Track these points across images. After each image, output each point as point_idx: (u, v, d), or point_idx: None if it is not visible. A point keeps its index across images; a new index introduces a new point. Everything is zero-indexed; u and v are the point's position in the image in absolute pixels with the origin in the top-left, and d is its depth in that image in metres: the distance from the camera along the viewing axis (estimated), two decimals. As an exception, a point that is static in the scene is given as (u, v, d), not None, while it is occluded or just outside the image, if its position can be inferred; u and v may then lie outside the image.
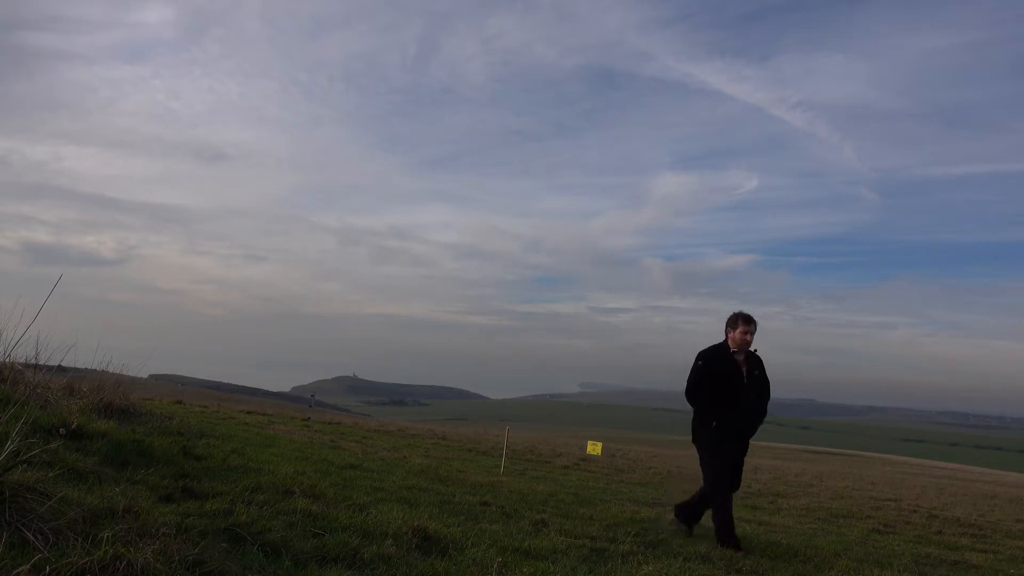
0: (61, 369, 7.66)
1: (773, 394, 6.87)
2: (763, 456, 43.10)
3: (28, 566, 2.84)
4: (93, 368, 8.73)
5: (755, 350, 6.69)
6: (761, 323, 6.60)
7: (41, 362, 7.15)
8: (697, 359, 6.63)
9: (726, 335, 6.65)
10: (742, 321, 6.54)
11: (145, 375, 14.72)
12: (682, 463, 19.27)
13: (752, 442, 6.95)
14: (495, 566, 4.33)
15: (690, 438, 6.93)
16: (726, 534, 6.39)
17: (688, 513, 7.02)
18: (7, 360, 6.91)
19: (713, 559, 5.75)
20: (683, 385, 6.74)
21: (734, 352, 6.57)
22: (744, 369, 6.56)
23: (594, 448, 13.53)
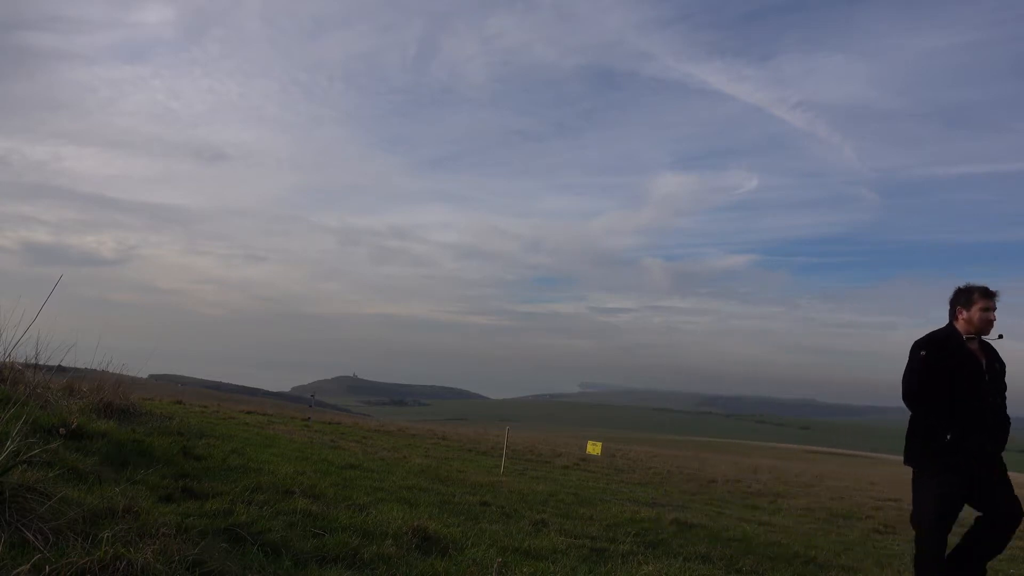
0: (61, 369, 7.66)
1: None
2: (763, 456, 43.14)
3: (28, 566, 2.84)
4: (93, 368, 8.73)
5: (1000, 336, 4.84)
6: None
7: (41, 362, 7.16)
8: (917, 349, 4.81)
9: (954, 316, 4.88)
10: (980, 295, 4.77)
11: (145, 375, 14.72)
12: (681, 463, 19.27)
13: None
14: (495, 566, 4.33)
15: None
16: None
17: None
18: (7, 360, 6.91)
19: (713, 559, 5.75)
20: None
21: (968, 339, 4.80)
22: (983, 361, 4.76)
23: (594, 448, 13.54)
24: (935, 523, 4.66)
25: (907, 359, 4.86)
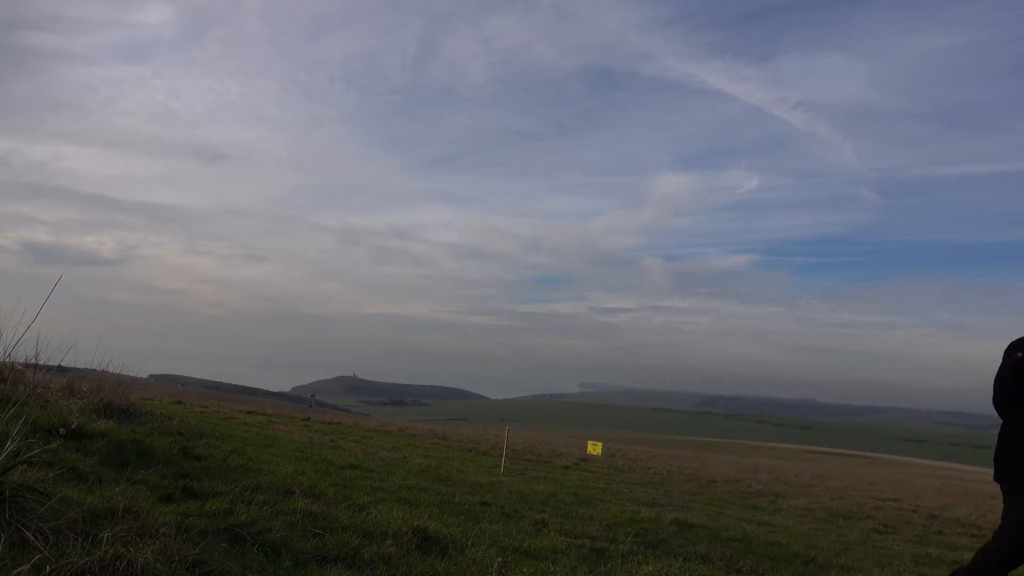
0: (61, 369, 7.66)
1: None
2: (763, 456, 43.16)
3: (28, 566, 2.84)
4: (93, 368, 8.74)
5: None
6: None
7: (41, 362, 7.16)
8: (1013, 350, 4.38)
9: None
10: None
11: (145, 375, 14.73)
12: (681, 463, 19.26)
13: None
14: (495, 566, 4.33)
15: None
16: None
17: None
18: (7, 360, 6.91)
19: (713, 559, 5.75)
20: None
21: None
22: None
23: (594, 448, 13.54)
24: (1016, 541, 4.32)
25: (1000, 361, 4.45)
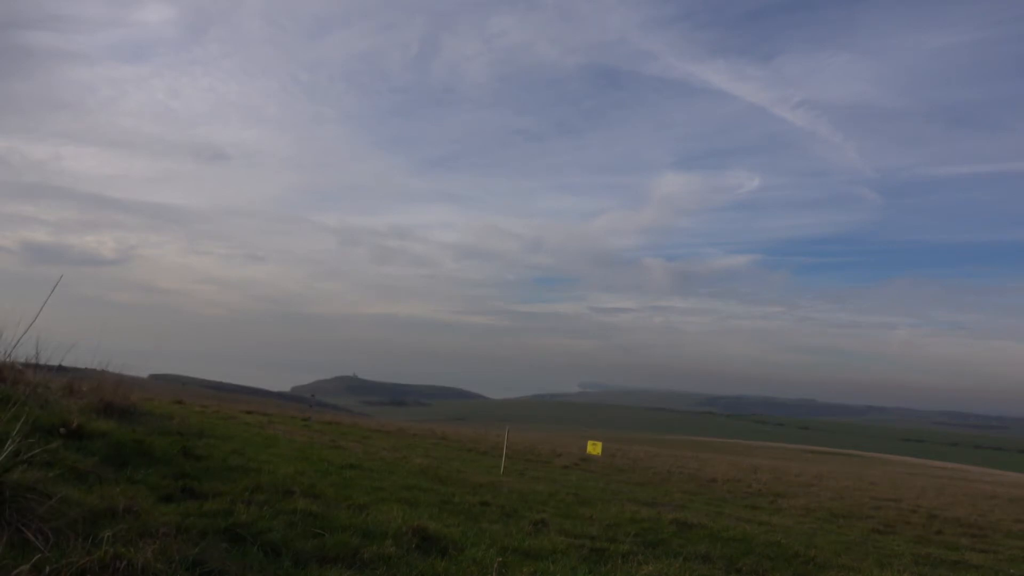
0: (61, 369, 7.67)
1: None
2: (763, 456, 43.17)
3: (28, 566, 2.84)
4: (93, 368, 8.76)
5: None
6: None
7: (41, 362, 7.17)
8: None
9: None
10: None
11: (145, 375, 14.76)
12: (681, 463, 19.27)
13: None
14: (495, 566, 4.34)
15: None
16: None
17: None
18: (7, 360, 6.92)
19: (713, 559, 5.76)
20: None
21: None
22: None
23: (594, 448, 13.56)
24: None
25: None
